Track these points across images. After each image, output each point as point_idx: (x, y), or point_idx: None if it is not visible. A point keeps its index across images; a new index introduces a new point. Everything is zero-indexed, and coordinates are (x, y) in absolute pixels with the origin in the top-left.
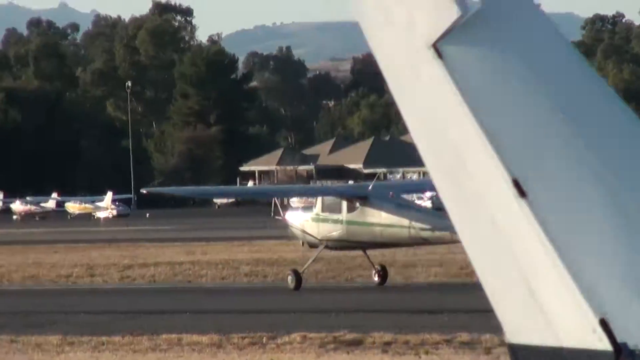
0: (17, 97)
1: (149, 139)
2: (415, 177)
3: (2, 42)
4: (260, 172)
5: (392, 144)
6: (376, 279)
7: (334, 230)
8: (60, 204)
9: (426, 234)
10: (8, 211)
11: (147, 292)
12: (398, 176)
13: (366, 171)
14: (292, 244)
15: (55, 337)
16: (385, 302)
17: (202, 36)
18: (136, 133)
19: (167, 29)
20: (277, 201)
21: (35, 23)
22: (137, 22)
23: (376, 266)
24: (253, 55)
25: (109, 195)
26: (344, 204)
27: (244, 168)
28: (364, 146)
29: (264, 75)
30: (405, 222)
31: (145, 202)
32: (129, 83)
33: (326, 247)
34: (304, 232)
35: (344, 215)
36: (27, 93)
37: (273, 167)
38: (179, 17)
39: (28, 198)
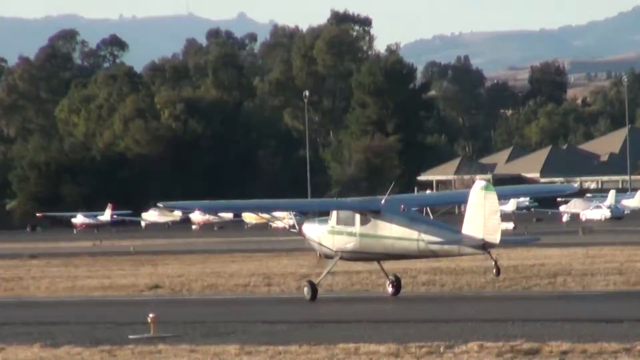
0: (197, 107)
1: (325, 148)
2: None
3: (182, 52)
4: (438, 182)
5: (570, 153)
6: (390, 289)
7: (348, 243)
8: (237, 214)
9: (435, 247)
10: (188, 221)
11: (324, 301)
12: (575, 185)
13: (543, 180)
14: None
15: (233, 347)
16: (562, 310)
17: (380, 46)
18: (313, 142)
19: (345, 38)
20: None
21: (214, 33)
22: (315, 32)
23: (390, 277)
24: (431, 64)
25: None
26: (357, 217)
27: (422, 177)
28: (541, 155)
29: (442, 85)
30: (414, 235)
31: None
32: (307, 93)
33: (341, 258)
34: (320, 244)
35: (357, 228)
36: (206, 103)
37: (451, 177)
38: (357, 27)
39: None
